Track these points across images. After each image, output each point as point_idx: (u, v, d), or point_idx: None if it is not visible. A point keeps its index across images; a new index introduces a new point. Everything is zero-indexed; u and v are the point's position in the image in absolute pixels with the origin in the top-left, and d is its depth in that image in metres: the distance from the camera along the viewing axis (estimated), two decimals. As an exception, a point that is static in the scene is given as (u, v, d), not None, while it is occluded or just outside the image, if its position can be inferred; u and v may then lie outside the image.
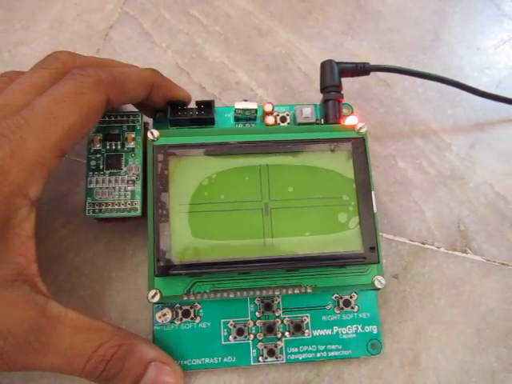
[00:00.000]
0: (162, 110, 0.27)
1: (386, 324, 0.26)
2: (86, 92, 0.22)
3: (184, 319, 0.25)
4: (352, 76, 0.28)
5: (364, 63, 0.27)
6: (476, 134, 0.30)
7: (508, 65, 0.32)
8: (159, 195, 0.24)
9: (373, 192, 0.24)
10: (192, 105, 0.27)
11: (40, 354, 0.20)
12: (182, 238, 0.23)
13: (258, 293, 0.24)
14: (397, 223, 0.28)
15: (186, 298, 0.24)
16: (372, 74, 0.28)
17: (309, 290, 0.24)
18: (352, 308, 0.26)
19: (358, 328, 0.25)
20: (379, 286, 0.24)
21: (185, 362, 0.24)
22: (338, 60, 0.27)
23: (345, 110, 0.28)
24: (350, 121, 0.27)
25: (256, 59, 0.31)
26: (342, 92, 0.27)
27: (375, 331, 0.25)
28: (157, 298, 0.23)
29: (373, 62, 0.28)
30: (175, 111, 0.27)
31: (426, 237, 0.28)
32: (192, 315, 0.25)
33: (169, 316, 0.24)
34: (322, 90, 0.27)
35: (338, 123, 0.27)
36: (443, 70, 0.32)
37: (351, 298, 0.26)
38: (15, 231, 0.20)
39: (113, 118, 0.26)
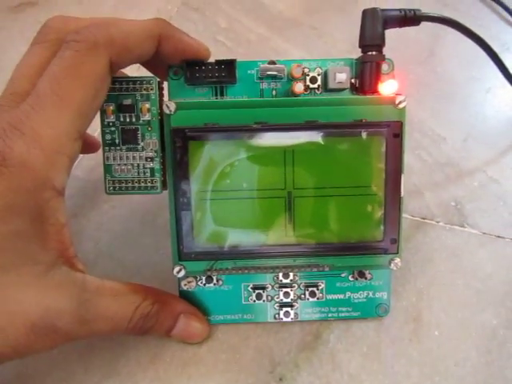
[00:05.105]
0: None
1: (389, 285, 0.28)
2: (84, 61, 0.20)
3: (207, 284, 0.27)
4: (400, 26, 0.25)
5: (414, 10, 0.24)
6: (468, 129, 0.34)
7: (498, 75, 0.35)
8: (180, 183, 0.23)
9: (402, 175, 0.24)
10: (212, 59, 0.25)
11: (91, 324, 0.22)
12: (203, 225, 0.24)
13: (277, 270, 0.25)
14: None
15: (209, 273, 0.25)
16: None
17: (326, 269, 0.25)
18: (366, 278, 0.27)
19: (368, 294, 0.27)
20: (394, 268, 0.25)
21: (208, 318, 0.27)
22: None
23: (384, 66, 0.25)
24: (389, 87, 0.24)
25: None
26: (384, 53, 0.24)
27: (385, 297, 0.27)
28: (182, 274, 0.25)
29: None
30: (192, 70, 0.24)
31: (426, 213, 0.31)
32: (214, 281, 0.27)
33: (193, 284, 0.26)
34: (361, 46, 0.25)
35: (375, 92, 0.24)
36: (436, 80, 0.36)
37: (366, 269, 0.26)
38: (50, 222, 0.20)
39: (124, 85, 0.24)
